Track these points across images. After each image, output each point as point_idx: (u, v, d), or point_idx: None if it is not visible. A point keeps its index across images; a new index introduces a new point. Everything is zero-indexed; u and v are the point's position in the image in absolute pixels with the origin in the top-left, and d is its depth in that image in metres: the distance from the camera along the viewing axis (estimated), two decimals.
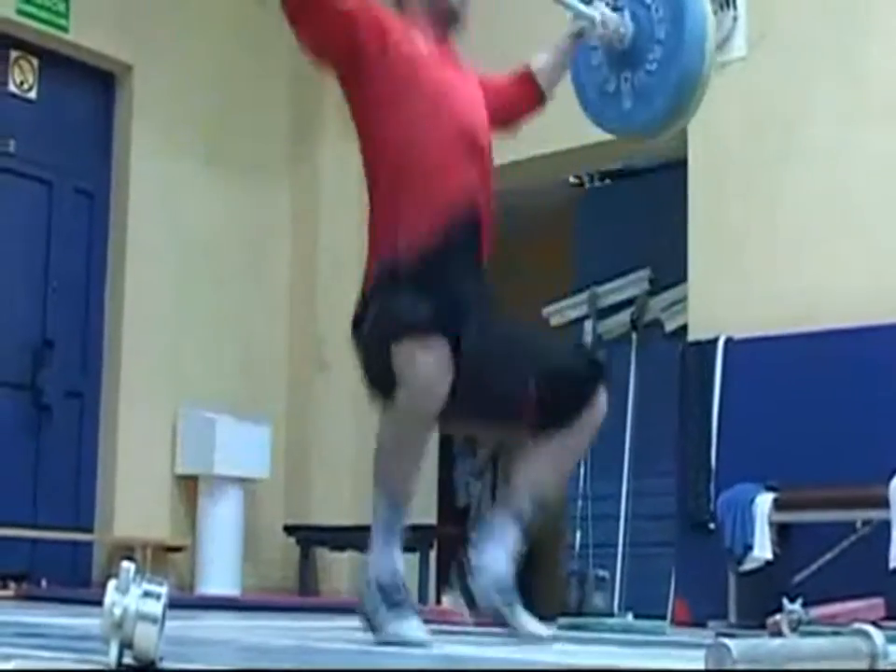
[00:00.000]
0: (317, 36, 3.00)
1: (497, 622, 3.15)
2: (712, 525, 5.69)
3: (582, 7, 3.43)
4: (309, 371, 7.69)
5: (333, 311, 7.06)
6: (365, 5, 3.01)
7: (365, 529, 2.96)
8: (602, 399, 3.16)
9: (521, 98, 3.55)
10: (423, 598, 6.39)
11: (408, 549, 3.02)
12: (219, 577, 6.95)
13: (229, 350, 7.37)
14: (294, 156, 7.91)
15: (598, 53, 3.50)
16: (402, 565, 2.98)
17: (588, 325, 7.39)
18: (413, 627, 2.89)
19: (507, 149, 6.66)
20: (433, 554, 6.93)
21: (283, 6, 2.92)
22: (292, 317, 7.77)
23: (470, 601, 3.19)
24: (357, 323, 2.99)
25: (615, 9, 3.43)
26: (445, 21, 3.26)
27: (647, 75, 3.39)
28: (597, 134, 6.19)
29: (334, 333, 6.90)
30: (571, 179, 7.70)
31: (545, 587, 6.49)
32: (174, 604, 1.90)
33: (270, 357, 7.70)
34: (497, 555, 3.17)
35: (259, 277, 7.78)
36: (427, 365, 2.73)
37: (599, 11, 3.41)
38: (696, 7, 3.36)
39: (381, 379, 2.86)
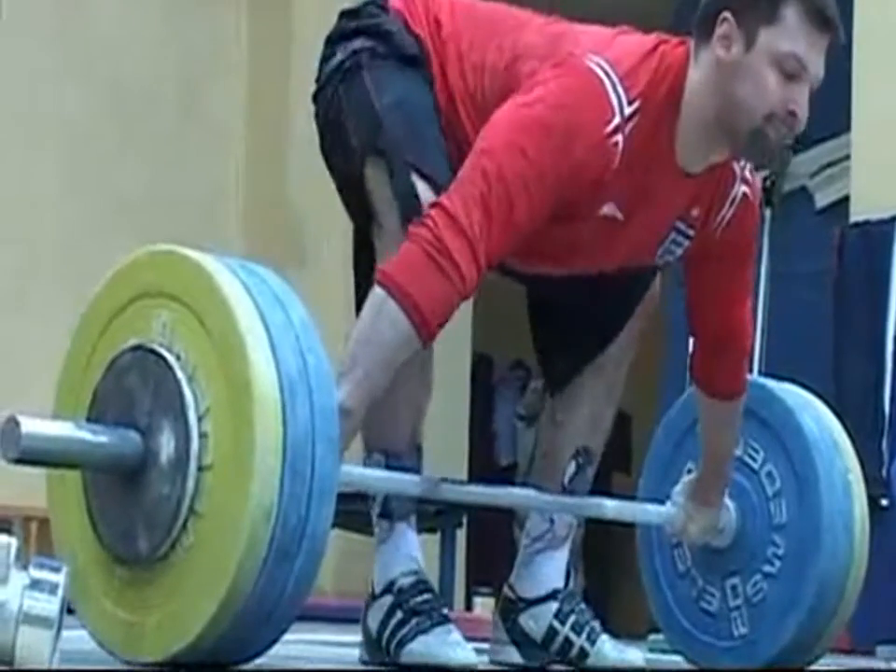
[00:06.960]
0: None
1: (572, 664, 2.80)
2: (886, 502, 5.01)
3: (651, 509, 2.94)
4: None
5: (313, 181, 6.49)
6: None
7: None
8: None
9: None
10: (447, 601, 5.49)
11: (426, 529, 3.04)
12: None
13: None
14: None
15: (684, 552, 3.01)
16: (419, 553, 2.61)
17: None
18: (448, 643, 2.49)
19: None
20: (462, 536, 6.30)
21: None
22: (253, 193, 6.52)
23: (527, 644, 2.80)
24: None
25: None
26: None
27: (767, 580, 2.92)
28: None
29: (316, 215, 6.15)
30: None
31: (627, 601, 6.48)
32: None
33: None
34: (554, 568, 2.79)
35: (202, 137, 6.52)
36: None
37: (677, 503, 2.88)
38: (829, 469, 2.88)
39: None
